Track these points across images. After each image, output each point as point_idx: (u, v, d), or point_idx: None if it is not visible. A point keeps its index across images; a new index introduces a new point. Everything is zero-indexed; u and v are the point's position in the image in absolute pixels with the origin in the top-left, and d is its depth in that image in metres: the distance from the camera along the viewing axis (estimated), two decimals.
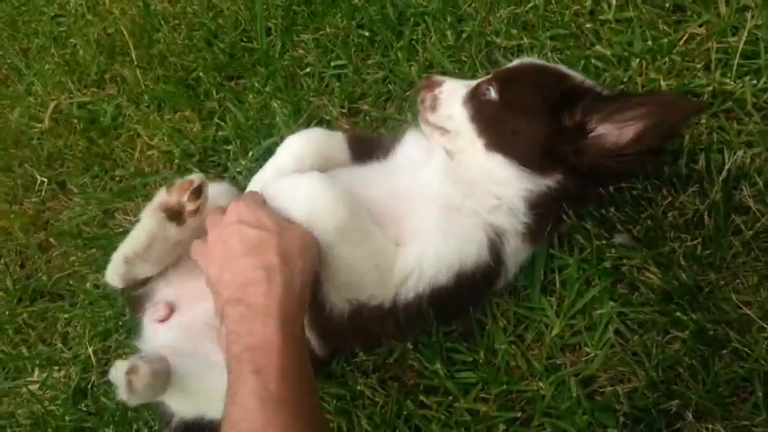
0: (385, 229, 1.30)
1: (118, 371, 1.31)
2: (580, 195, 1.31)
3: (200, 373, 1.40)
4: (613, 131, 1.19)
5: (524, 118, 1.29)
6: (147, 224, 1.45)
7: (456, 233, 1.29)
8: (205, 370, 1.39)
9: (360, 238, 1.25)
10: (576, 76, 1.36)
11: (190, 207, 1.43)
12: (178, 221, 1.44)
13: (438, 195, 1.34)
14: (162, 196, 1.45)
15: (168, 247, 1.47)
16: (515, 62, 1.48)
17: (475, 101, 1.39)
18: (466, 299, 1.34)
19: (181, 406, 1.47)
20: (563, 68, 1.39)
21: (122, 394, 1.30)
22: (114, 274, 1.50)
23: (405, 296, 1.29)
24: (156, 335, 1.52)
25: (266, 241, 1.15)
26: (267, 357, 1.02)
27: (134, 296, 1.57)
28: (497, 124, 1.33)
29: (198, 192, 1.43)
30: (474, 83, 1.44)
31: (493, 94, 1.36)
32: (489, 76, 1.43)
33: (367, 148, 1.54)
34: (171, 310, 1.53)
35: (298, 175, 1.31)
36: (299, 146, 1.53)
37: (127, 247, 1.47)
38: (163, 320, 1.52)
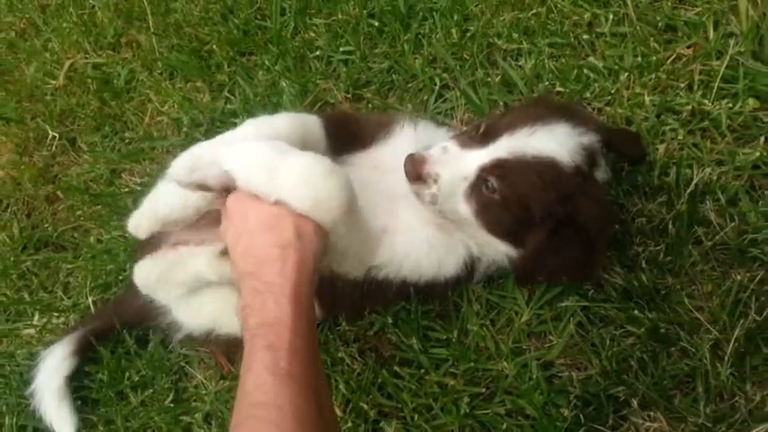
0: (374, 217, 1.38)
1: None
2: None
3: (212, 291, 1.54)
4: None
5: (526, 220, 1.32)
6: (196, 199, 1.49)
7: (440, 250, 1.42)
8: (214, 291, 1.54)
9: (351, 228, 1.30)
10: (566, 163, 1.30)
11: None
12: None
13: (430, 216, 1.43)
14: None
15: (202, 209, 1.53)
16: (512, 146, 1.32)
17: (477, 195, 1.34)
18: (430, 292, 1.49)
19: (190, 319, 1.60)
20: (556, 157, 1.30)
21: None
22: (143, 230, 1.59)
23: (375, 275, 1.41)
24: None
25: (283, 218, 1.17)
26: (279, 335, 1.08)
27: (146, 242, 1.65)
28: (500, 221, 1.35)
29: None
30: (472, 170, 1.34)
31: (494, 186, 1.32)
32: (490, 164, 1.32)
33: (345, 132, 1.51)
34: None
35: (300, 155, 1.23)
36: (271, 125, 1.38)
37: (166, 210, 1.54)
38: None
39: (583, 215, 1.26)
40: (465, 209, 1.36)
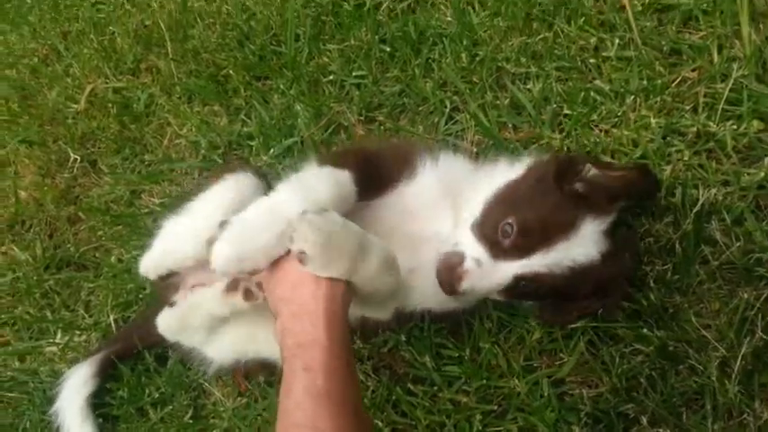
0: (402, 260, 1.41)
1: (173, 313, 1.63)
2: None
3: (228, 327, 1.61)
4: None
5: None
6: (199, 250, 1.51)
7: None
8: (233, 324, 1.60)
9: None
10: (597, 259, 1.36)
11: None
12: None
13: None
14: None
15: None
16: (548, 262, 1.34)
17: (512, 290, 1.39)
18: (446, 317, 1.56)
19: (220, 352, 1.66)
20: (591, 261, 1.36)
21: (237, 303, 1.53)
22: (153, 272, 1.67)
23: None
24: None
25: None
26: (315, 355, 1.14)
27: (166, 282, 1.73)
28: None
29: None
30: (508, 278, 1.36)
31: (531, 287, 1.37)
32: (527, 275, 1.35)
33: (372, 180, 1.47)
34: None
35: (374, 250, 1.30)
36: (314, 193, 1.34)
37: (174, 259, 1.63)
38: None
39: (611, 289, 1.38)
40: (498, 295, 1.43)
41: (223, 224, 1.26)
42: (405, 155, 1.53)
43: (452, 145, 1.65)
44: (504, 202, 1.41)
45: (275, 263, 1.28)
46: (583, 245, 1.34)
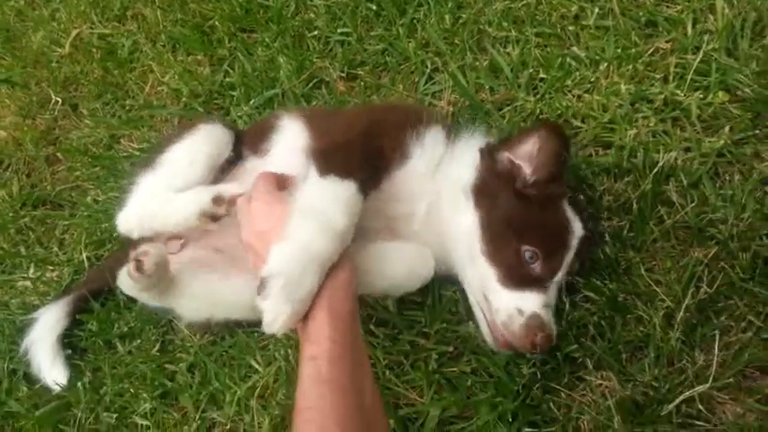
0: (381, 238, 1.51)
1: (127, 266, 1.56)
2: None
3: (206, 279, 1.64)
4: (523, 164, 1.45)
5: None
6: (191, 221, 1.57)
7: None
8: (211, 277, 1.64)
9: None
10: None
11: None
12: (215, 220, 1.58)
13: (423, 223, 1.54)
14: (212, 208, 1.55)
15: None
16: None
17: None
18: None
19: (190, 310, 1.68)
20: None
21: (130, 276, 1.54)
22: (134, 231, 1.66)
23: None
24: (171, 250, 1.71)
25: None
26: (319, 346, 1.19)
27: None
28: None
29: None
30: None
31: None
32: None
33: (376, 178, 1.48)
34: (183, 244, 1.73)
35: None
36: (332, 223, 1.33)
37: (160, 225, 1.63)
38: (174, 253, 1.71)
39: None
40: None
41: (260, 287, 1.23)
42: (397, 137, 1.52)
43: (434, 116, 1.62)
44: (503, 241, 1.41)
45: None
46: (577, 223, 1.43)
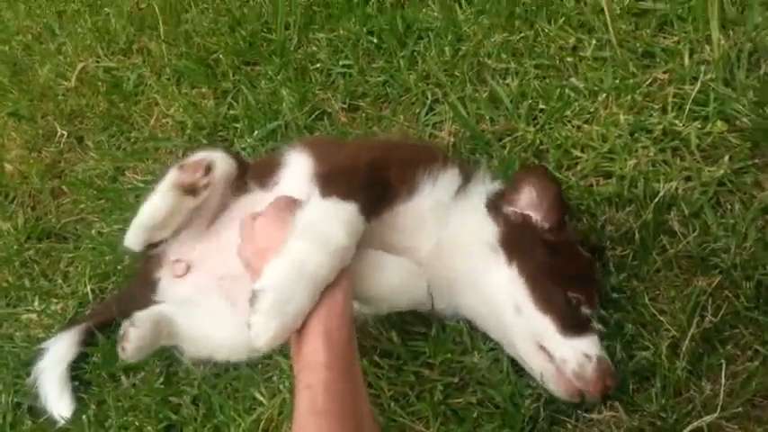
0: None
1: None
2: None
3: (205, 322, 1.66)
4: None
5: None
6: (167, 199, 1.63)
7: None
8: (210, 319, 1.65)
9: None
10: None
11: (202, 182, 1.63)
12: (193, 194, 1.63)
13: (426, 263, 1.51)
14: (175, 175, 1.62)
15: (184, 214, 1.68)
16: None
17: None
18: None
19: (189, 349, 1.71)
20: None
21: (121, 356, 1.59)
22: (135, 241, 1.70)
23: None
24: (171, 289, 1.75)
25: None
26: (315, 374, 1.17)
27: (150, 256, 1.79)
28: None
29: (209, 168, 1.63)
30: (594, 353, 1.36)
31: None
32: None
33: (380, 205, 1.46)
34: (188, 267, 1.75)
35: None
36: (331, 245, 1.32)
37: (147, 218, 1.66)
38: (180, 276, 1.74)
39: None
40: None
41: (251, 299, 1.25)
42: (406, 171, 1.50)
43: (451, 158, 1.64)
44: (547, 290, 1.39)
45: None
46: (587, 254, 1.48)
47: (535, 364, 1.38)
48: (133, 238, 1.71)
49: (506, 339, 1.45)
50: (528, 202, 1.47)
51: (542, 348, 1.36)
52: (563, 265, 1.42)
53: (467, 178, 1.57)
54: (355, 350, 1.29)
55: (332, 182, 1.41)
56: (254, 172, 1.79)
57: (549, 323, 1.36)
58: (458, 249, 1.49)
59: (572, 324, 1.36)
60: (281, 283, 1.23)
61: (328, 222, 1.32)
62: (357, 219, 1.35)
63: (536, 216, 1.47)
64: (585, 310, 1.38)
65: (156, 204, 1.64)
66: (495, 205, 1.51)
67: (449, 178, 1.53)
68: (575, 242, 1.48)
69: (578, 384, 1.32)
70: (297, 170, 1.68)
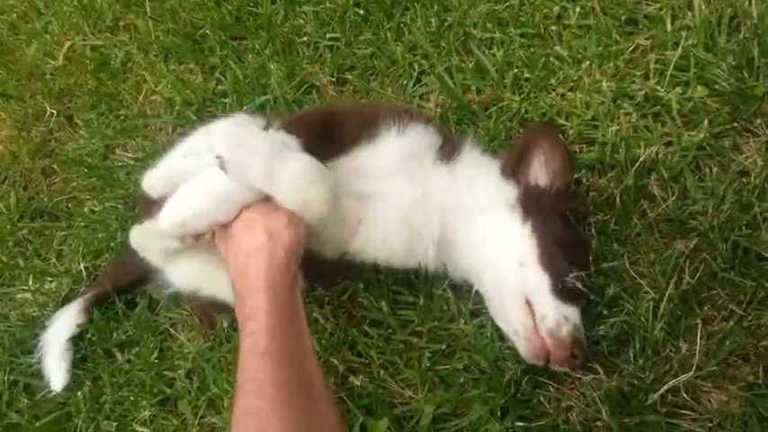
0: (350, 211, 1.48)
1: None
2: None
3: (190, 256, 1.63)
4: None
5: None
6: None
7: (412, 248, 1.52)
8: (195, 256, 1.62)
9: (330, 222, 1.42)
10: None
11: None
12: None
13: (407, 210, 1.51)
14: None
15: None
16: None
17: None
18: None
19: (180, 278, 1.70)
20: None
21: (182, 240, 1.48)
22: (158, 191, 1.61)
23: (351, 258, 1.54)
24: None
25: (254, 223, 1.33)
26: (257, 321, 1.22)
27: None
28: None
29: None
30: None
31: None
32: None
33: (329, 143, 1.48)
34: None
35: (297, 159, 1.33)
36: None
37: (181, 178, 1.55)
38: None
39: None
40: None
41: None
42: (368, 118, 1.53)
43: (425, 117, 1.66)
44: (559, 253, 1.42)
45: (226, 231, 1.37)
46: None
47: (515, 317, 1.41)
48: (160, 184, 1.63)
49: (494, 291, 1.47)
50: (539, 167, 1.51)
51: (527, 303, 1.40)
52: (571, 238, 1.45)
53: (450, 141, 1.58)
54: (298, 296, 1.33)
55: (287, 121, 1.49)
56: None
57: (546, 282, 1.40)
58: (466, 205, 1.51)
59: (564, 291, 1.39)
60: (196, 185, 1.34)
61: (260, 146, 1.32)
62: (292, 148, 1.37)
63: (546, 179, 1.49)
64: (578, 285, 1.40)
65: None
66: (511, 169, 1.53)
67: (420, 132, 1.54)
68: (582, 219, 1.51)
69: (549, 342, 1.36)
70: None
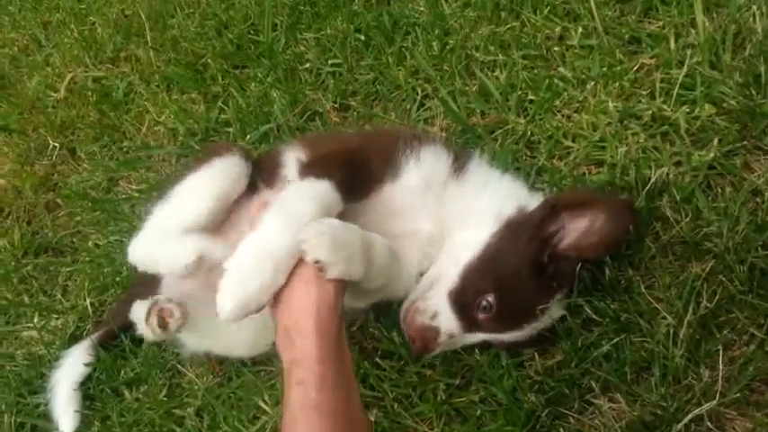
0: None
1: (140, 311, 1.58)
2: None
3: (210, 317, 1.60)
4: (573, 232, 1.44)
5: None
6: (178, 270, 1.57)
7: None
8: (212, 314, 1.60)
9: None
10: None
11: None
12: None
13: (426, 249, 1.55)
14: (194, 265, 1.56)
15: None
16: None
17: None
18: None
19: (192, 342, 1.71)
20: None
21: (152, 332, 1.55)
22: (139, 265, 1.66)
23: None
24: (176, 285, 1.72)
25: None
26: (307, 369, 1.18)
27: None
28: None
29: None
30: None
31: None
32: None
33: (359, 183, 1.48)
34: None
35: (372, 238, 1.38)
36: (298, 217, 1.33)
37: (154, 266, 1.63)
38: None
39: None
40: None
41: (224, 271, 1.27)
42: (387, 152, 1.52)
43: (432, 137, 1.66)
44: (486, 274, 1.43)
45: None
46: (550, 317, 1.45)
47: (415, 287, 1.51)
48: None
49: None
50: (583, 225, 1.43)
51: (431, 285, 1.48)
52: (520, 283, 1.42)
53: (458, 158, 1.57)
54: (345, 344, 1.29)
55: (309, 165, 1.48)
56: (260, 168, 1.74)
57: (453, 284, 1.45)
58: (468, 213, 1.53)
59: (461, 305, 1.43)
60: (242, 263, 1.27)
61: (297, 201, 1.34)
62: (329, 195, 1.37)
63: (573, 240, 1.43)
64: (482, 318, 1.42)
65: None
66: (553, 205, 1.46)
67: (433, 154, 1.54)
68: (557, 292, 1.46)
69: (408, 316, 1.46)
70: (293, 169, 1.66)
